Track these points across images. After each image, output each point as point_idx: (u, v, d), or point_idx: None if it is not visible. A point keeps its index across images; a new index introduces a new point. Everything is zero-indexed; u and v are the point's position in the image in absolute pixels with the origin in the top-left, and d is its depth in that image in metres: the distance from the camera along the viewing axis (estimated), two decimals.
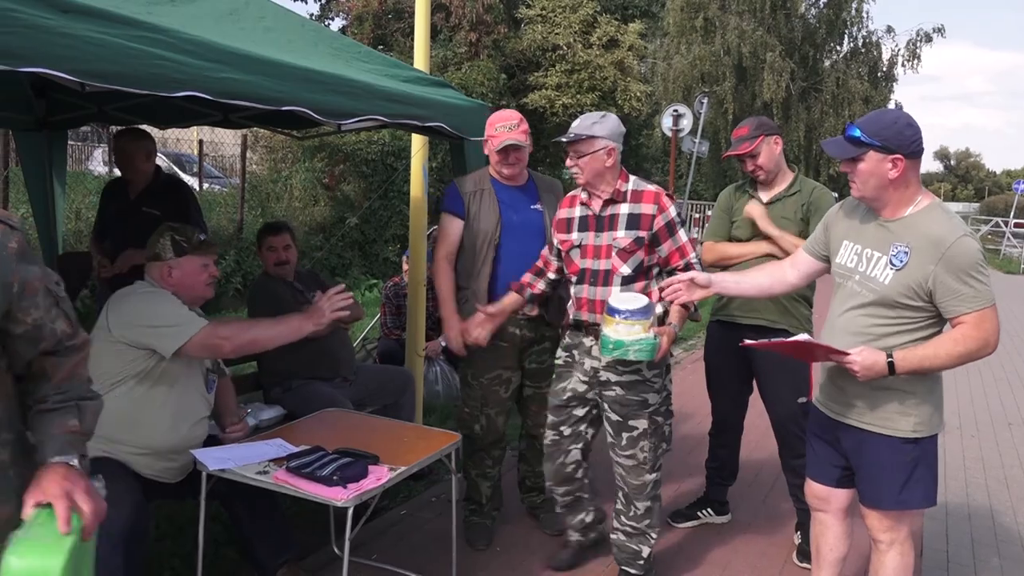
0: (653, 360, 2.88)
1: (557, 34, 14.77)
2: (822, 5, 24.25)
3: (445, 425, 4.27)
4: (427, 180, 4.51)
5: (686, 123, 13.43)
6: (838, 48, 25.02)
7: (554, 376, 3.29)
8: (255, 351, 3.02)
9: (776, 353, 3.08)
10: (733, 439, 3.95)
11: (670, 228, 3.04)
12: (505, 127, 3.44)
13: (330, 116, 2.98)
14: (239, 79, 2.47)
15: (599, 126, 3.00)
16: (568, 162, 3.09)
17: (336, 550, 3.37)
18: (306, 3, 21.28)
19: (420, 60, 4.31)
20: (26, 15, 1.85)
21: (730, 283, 2.94)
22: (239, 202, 10.32)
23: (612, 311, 2.80)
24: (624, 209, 3.04)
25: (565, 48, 14.62)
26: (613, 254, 3.02)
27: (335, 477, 2.55)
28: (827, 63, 24.52)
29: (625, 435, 3.10)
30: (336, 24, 17.74)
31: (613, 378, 3.08)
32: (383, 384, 4.16)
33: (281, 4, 3.49)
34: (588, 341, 3.14)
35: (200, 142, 12.08)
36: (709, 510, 4.04)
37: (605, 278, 3.05)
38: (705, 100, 15.02)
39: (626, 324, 2.78)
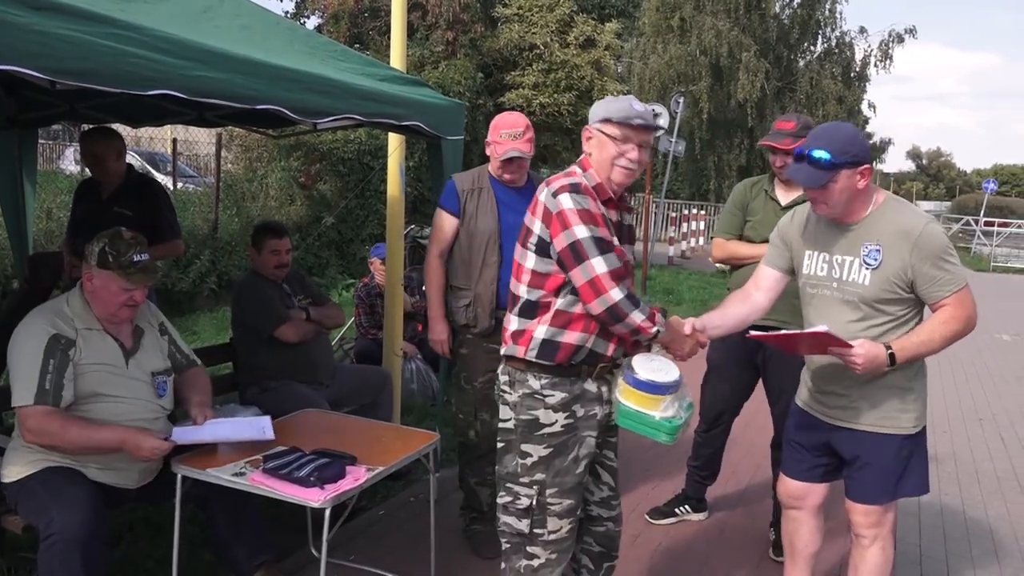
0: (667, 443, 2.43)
1: (534, 33, 14.76)
2: (796, 5, 24.46)
3: (423, 424, 4.27)
4: (404, 179, 4.49)
5: (662, 122, 13.48)
6: (812, 48, 25.24)
7: (548, 450, 2.46)
8: (62, 450, 2.65)
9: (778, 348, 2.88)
10: (720, 439, 3.95)
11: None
12: (509, 135, 3.37)
13: (306, 115, 2.96)
14: (214, 77, 2.44)
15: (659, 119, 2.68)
16: (635, 155, 2.42)
17: (314, 551, 3.35)
18: (281, 1, 21.13)
19: (397, 59, 4.30)
20: None
21: (718, 324, 2.71)
22: (214, 201, 10.22)
23: (656, 387, 2.34)
24: (627, 219, 2.63)
25: (542, 47, 14.62)
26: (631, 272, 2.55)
27: (312, 478, 2.54)
28: (801, 63, 24.74)
29: (616, 480, 2.71)
30: (312, 22, 17.63)
31: (611, 420, 2.59)
32: (360, 384, 4.14)
33: (256, 2, 3.46)
34: (594, 386, 2.50)
35: (174, 141, 11.94)
36: (687, 507, 4.07)
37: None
38: (681, 99, 15.08)
39: (650, 399, 2.36)
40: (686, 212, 21.10)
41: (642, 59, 24.30)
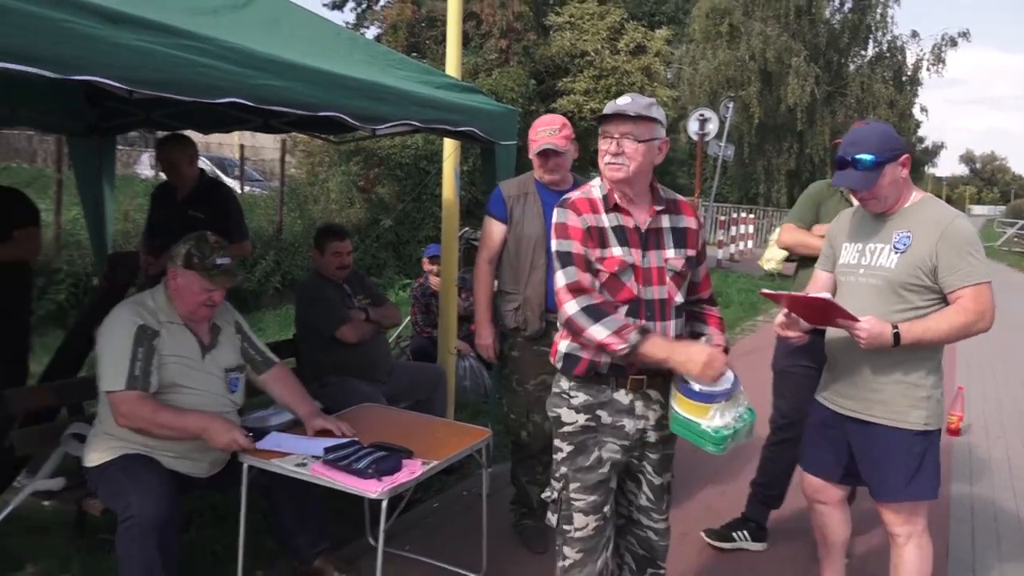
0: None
1: (585, 41, 14.72)
2: (847, 10, 23.92)
3: (476, 421, 4.28)
4: (458, 183, 4.51)
5: (712, 127, 13.31)
6: (863, 53, 24.67)
7: (570, 447, 2.41)
8: (150, 434, 2.72)
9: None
10: (788, 455, 3.51)
11: (704, 248, 2.49)
12: (546, 132, 3.36)
13: (366, 121, 2.99)
14: (279, 86, 2.49)
15: (656, 109, 2.28)
16: (611, 148, 2.25)
17: (371, 541, 3.38)
18: (343, 12, 21.45)
19: (452, 67, 4.32)
20: (79, 25, 1.88)
21: (804, 324, 2.67)
22: (278, 204, 10.43)
23: (703, 396, 2.23)
24: (667, 222, 2.37)
25: (593, 54, 14.58)
26: (668, 279, 2.33)
27: (370, 470, 2.56)
28: (852, 67, 24.19)
29: (665, 497, 2.54)
30: (371, 32, 17.86)
31: (654, 437, 2.44)
32: (416, 381, 4.17)
33: (319, 14, 3.52)
34: (626, 397, 2.37)
35: (241, 146, 12.23)
36: (745, 533, 3.69)
37: (662, 310, 2.32)
38: (731, 105, 14.89)
39: (724, 407, 2.25)
40: (735, 216, 20.77)
41: (691, 65, 24.04)
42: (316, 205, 10.97)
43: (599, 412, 2.37)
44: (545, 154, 3.35)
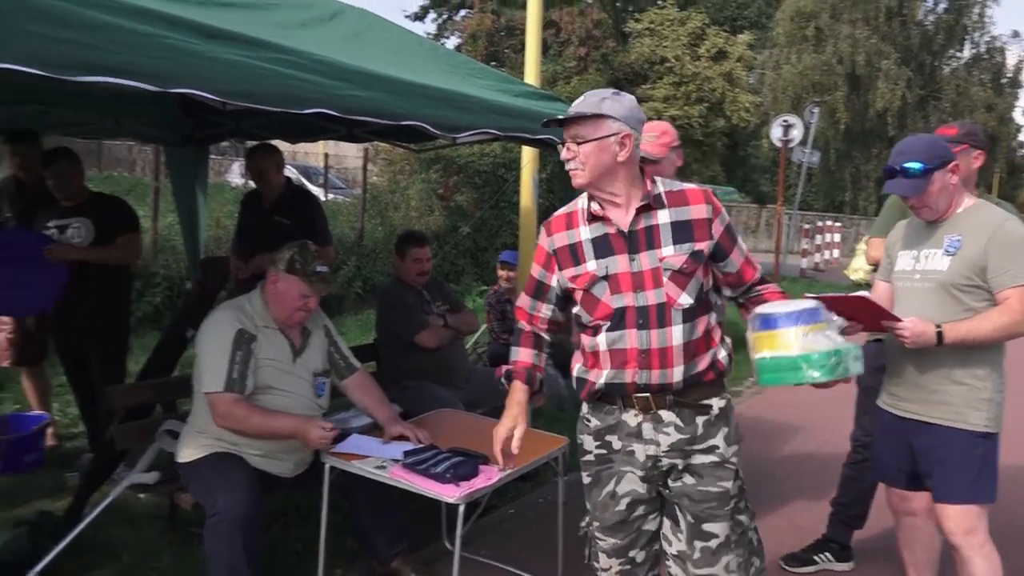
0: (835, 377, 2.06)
1: (665, 47, 14.58)
2: (941, 11, 22.95)
3: (552, 429, 4.26)
4: (536, 190, 4.52)
5: (796, 133, 12.96)
6: (958, 54, 23.64)
7: (588, 478, 2.29)
8: (244, 434, 2.84)
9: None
10: (869, 474, 3.34)
11: (731, 233, 2.19)
12: (643, 139, 3.33)
13: (446, 130, 3.03)
14: (363, 96, 2.55)
15: (610, 103, 2.07)
16: (564, 154, 2.14)
17: (447, 544, 3.41)
18: (424, 23, 21.84)
19: (531, 75, 4.34)
20: (176, 41, 1.97)
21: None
22: (360, 211, 10.67)
23: (770, 321, 2.06)
24: (664, 216, 2.13)
25: (673, 61, 14.41)
26: (665, 280, 2.10)
27: (448, 475, 2.59)
28: (946, 70, 23.19)
29: (700, 544, 2.15)
30: (451, 42, 18.10)
31: (681, 463, 2.16)
32: (493, 387, 4.18)
33: (401, 25, 3.59)
34: (634, 419, 2.17)
35: (326, 155, 12.59)
36: (828, 555, 3.54)
37: (660, 316, 2.09)
38: (816, 110, 14.48)
39: (816, 328, 2.04)
40: (820, 224, 20.16)
41: (775, 69, 23.48)
42: (397, 212, 11.17)
43: (609, 438, 2.21)
44: (641, 161, 3.31)
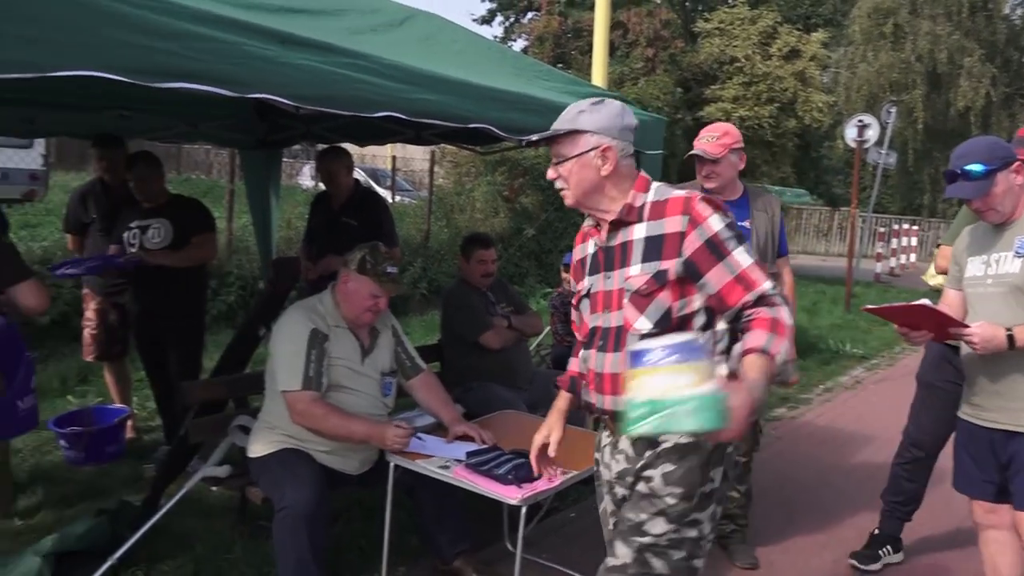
0: (719, 431, 1.60)
1: (735, 46, 14.32)
2: None
3: None
4: None
5: (872, 134, 12.57)
6: None
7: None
8: (319, 433, 2.90)
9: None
10: (924, 473, 3.53)
11: (714, 248, 1.90)
12: (704, 138, 3.31)
13: (512, 132, 3.04)
14: (431, 99, 2.58)
15: (586, 116, 1.98)
16: (550, 173, 2.07)
17: (509, 546, 3.42)
18: (491, 26, 22.00)
19: (598, 76, 4.33)
20: (253, 47, 2.04)
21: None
22: (426, 213, 10.80)
23: (635, 357, 1.65)
24: (640, 232, 1.98)
25: (743, 60, 14.15)
26: (625, 301, 1.97)
27: (510, 476, 2.59)
28: None
29: (607, 558, 2.09)
30: (518, 45, 18.16)
31: (620, 492, 2.11)
32: (556, 389, 4.18)
33: (469, 28, 3.62)
34: (606, 439, 2.17)
35: (393, 158, 12.76)
36: (889, 548, 3.62)
37: (617, 339, 1.99)
38: (893, 109, 14.02)
39: (665, 371, 1.60)
40: (896, 227, 19.51)
41: (850, 68, 22.82)
42: (462, 214, 11.27)
43: (596, 455, 2.23)
44: (699, 160, 3.30)
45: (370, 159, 17.66)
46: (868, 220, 17.93)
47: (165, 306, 4.11)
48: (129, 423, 4.62)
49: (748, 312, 1.88)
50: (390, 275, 2.94)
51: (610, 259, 2.02)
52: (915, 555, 3.72)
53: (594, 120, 1.98)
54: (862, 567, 3.57)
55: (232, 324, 7.00)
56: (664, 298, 1.92)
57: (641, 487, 1.99)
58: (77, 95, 3.56)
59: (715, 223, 1.90)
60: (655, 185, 2.04)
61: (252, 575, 3.14)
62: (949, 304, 2.72)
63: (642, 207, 1.99)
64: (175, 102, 3.79)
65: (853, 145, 12.94)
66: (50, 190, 11.10)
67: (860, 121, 12.71)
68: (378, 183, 14.59)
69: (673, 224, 1.93)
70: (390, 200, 11.68)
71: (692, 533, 1.95)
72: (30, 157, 10.19)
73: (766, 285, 1.87)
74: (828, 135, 20.67)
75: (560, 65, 14.92)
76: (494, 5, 21.20)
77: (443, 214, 11.17)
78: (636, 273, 1.96)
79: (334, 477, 2.94)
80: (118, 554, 2.95)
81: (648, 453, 1.99)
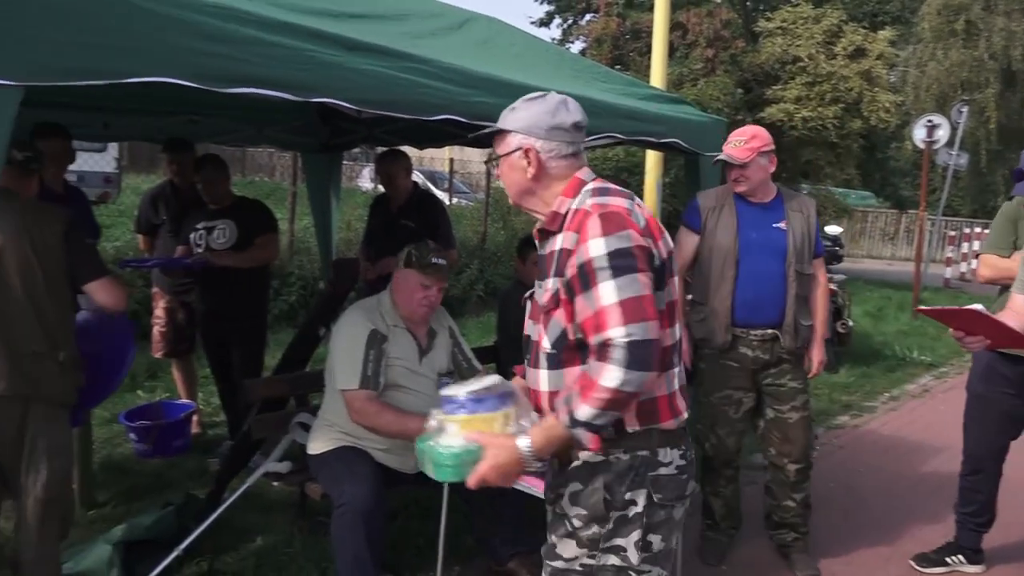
0: (451, 481, 1.84)
1: (798, 46, 14.00)
2: None
3: None
4: (660, 195, 4.47)
5: (942, 134, 12.16)
6: None
7: None
8: (376, 431, 2.92)
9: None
10: (989, 484, 3.43)
11: (583, 275, 1.71)
12: (732, 143, 3.33)
13: None
14: (491, 103, 2.59)
15: (514, 114, 1.90)
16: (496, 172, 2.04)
17: None
18: (549, 28, 22.03)
19: (657, 77, 4.30)
20: (317, 53, 2.09)
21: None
22: (483, 215, 10.86)
23: (443, 403, 1.84)
24: (559, 242, 1.84)
25: (806, 60, 13.83)
26: (541, 315, 1.90)
27: None
28: None
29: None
30: (576, 47, 18.12)
31: (548, 509, 2.03)
32: None
33: (527, 31, 3.63)
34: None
35: (451, 160, 12.87)
36: (961, 557, 3.55)
37: (536, 355, 1.91)
38: (964, 109, 13.55)
39: (453, 421, 1.79)
40: (967, 231, 18.83)
41: (918, 67, 22.12)
42: (519, 216, 11.29)
43: None
44: (728, 165, 3.30)
45: (428, 161, 17.84)
46: (937, 223, 17.34)
47: (229, 306, 4.23)
48: (195, 418, 4.76)
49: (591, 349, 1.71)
50: (435, 264, 2.93)
51: (542, 268, 1.93)
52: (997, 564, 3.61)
53: (518, 119, 1.88)
54: (918, 567, 3.54)
55: (293, 323, 7.15)
56: (559, 318, 1.82)
57: (555, 506, 1.94)
58: (149, 100, 3.69)
59: (593, 248, 1.70)
60: (587, 187, 1.87)
61: (311, 570, 3.21)
62: (1016, 310, 2.61)
63: (566, 214, 1.84)
64: (241, 107, 3.89)
65: (922, 146, 12.55)
66: (122, 192, 11.54)
67: (929, 121, 12.32)
68: (436, 185, 14.74)
69: (568, 239, 1.79)
70: (447, 202, 11.78)
71: (612, 560, 1.83)
72: (104, 160, 10.62)
73: (613, 332, 1.63)
74: (895, 136, 20.04)
75: (618, 67, 14.82)
76: (552, 7, 21.19)
77: (500, 216, 11.22)
78: (548, 287, 1.85)
79: (391, 475, 2.98)
80: (183, 545, 3.04)
81: (561, 471, 1.91)
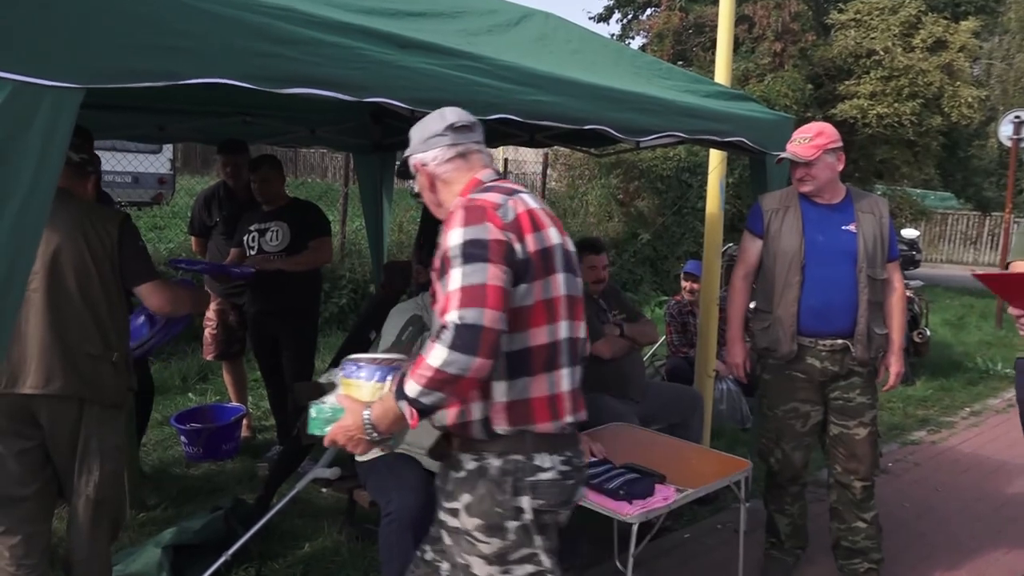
0: (317, 435, 2.01)
1: (873, 39, 13.67)
2: None
3: (734, 450, 4.14)
4: (724, 196, 4.41)
5: None
6: None
7: None
8: None
9: None
10: None
11: (443, 263, 1.83)
12: (796, 140, 3.27)
13: (630, 133, 3.03)
14: (548, 101, 2.60)
15: (419, 126, 2.06)
16: None
17: (618, 565, 3.38)
18: (608, 24, 21.96)
19: (721, 74, 4.25)
20: (372, 52, 2.12)
21: None
22: None
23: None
24: None
25: (882, 53, 13.49)
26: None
27: (622, 491, 2.58)
28: None
29: None
30: (637, 42, 18.03)
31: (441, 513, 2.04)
32: (671, 403, 4.13)
33: (586, 27, 3.63)
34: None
35: (505, 161, 12.89)
36: None
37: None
38: None
39: (337, 382, 2.05)
40: None
41: (1004, 59, 21.40)
42: (575, 218, 11.28)
43: None
44: (792, 164, 3.24)
45: None
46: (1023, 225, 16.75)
47: (280, 308, 4.32)
48: (244, 422, 4.88)
49: None
50: None
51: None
52: None
53: (409, 147, 2.05)
54: None
55: (343, 327, 7.26)
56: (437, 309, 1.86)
57: (454, 521, 1.93)
58: (203, 102, 3.80)
59: (452, 238, 1.80)
60: (483, 187, 1.96)
61: None
62: None
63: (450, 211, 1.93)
64: (295, 107, 3.98)
65: (1008, 143, 12.12)
66: (176, 193, 11.89)
67: (1017, 117, 11.90)
68: None
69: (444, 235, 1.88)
70: None
71: (528, 569, 1.93)
72: (159, 162, 10.97)
73: (449, 315, 1.70)
74: (978, 133, 19.40)
75: (681, 63, 14.69)
76: (611, 2, 21.12)
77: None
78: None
79: None
80: (232, 550, 3.11)
81: (452, 475, 1.95)
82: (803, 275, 3.22)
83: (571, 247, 2.00)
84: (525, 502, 1.87)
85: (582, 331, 2.00)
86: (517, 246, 1.82)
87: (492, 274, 1.73)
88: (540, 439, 1.88)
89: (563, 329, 1.91)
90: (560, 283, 1.90)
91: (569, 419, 1.94)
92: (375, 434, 1.83)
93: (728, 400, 5.50)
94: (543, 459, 1.88)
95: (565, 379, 1.93)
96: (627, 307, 4.29)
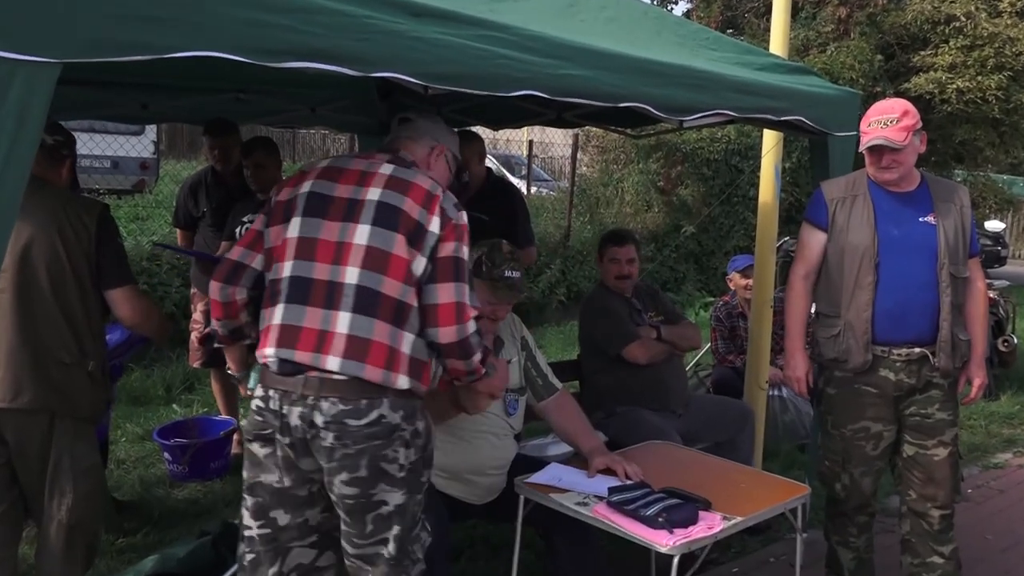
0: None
1: (953, 2, 13.54)
2: None
3: (789, 473, 4.13)
4: (779, 183, 4.39)
5: None
6: None
7: None
8: None
9: None
10: None
11: None
12: (879, 123, 3.18)
13: (672, 112, 3.02)
14: (577, 75, 2.60)
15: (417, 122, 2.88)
16: None
17: None
18: None
19: (777, 43, 4.23)
20: (382, 21, 2.12)
21: None
22: (567, 207, 10.86)
23: None
24: None
25: (963, 19, 13.35)
26: None
27: (660, 519, 2.57)
28: None
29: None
30: (680, 8, 17.97)
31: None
32: (717, 418, 4.12)
33: None
34: None
35: (530, 143, 12.92)
36: None
37: None
38: None
39: None
40: None
41: None
42: (609, 208, 11.29)
43: None
44: (877, 150, 3.17)
45: (503, 144, 17.96)
46: None
47: None
48: (235, 437, 4.91)
49: None
50: (507, 280, 2.93)
51: None
52: None
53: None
54: None
55: None
56: None
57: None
58: (192, 77, 3.84)
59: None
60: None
61: None
62: None
63: None
64: (293, 83, 4.01)
65: None
66: (160, 180, 12.00)
67: None
68: (512, 172, 14.81)
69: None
70: (526, 192, 11.84)
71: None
72: (141, 145, 11.06)
73: None
74: None
75: (731, 31, 14.63)
76: None
77: (587, 208, 11.22)
78: None
79: (456, 507, 3.02)
80: None
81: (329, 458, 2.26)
82: (876, 274, 3.18)
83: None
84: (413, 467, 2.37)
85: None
86: (273, 198, 2.68)
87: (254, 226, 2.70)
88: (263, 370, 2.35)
89: (288, 266, 2.37)
90: (297, 224, 2.45)
91: (271, 350, 2.29)
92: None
93: (795, 411, 5.42)
94: (257, 388, 2.37)
95: (278, 314, 2.32)
96: (666, 308, 4.28)
